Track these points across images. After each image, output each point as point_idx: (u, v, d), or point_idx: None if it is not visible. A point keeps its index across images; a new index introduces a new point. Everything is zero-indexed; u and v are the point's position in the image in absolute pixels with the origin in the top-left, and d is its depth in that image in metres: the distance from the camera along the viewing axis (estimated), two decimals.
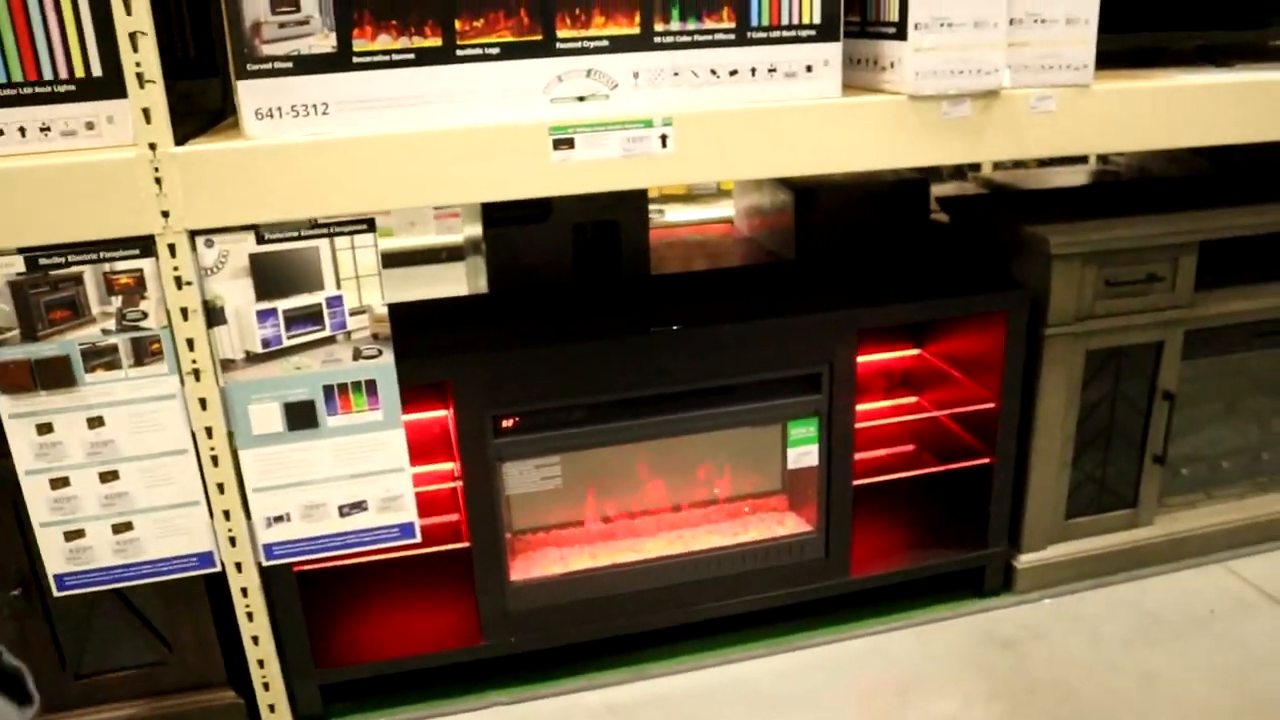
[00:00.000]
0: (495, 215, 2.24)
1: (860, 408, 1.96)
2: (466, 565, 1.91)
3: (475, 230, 2.35)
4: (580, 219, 2.28)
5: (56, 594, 1.70)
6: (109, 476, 1.66)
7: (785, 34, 1.70)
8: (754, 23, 1.68)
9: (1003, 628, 2.08)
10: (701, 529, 2.07)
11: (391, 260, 3.80)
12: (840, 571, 2.06)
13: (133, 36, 1.47)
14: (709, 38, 1.68)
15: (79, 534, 1.68)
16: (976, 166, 3.43)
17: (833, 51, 1.72)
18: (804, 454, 1.97)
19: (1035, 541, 2.14)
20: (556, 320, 1.93)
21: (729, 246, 2.68)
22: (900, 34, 1.70)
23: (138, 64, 1.48)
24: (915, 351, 2.40)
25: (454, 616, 2.00)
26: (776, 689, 1.94)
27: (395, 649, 1.94)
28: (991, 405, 2.05)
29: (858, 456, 2.00)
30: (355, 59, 1.56)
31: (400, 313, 1.72)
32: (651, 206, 3.62)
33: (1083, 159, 3.27)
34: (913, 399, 2.43)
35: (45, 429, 1.62)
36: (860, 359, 1.95)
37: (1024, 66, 1.75)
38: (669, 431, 1.93)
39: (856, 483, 2.02)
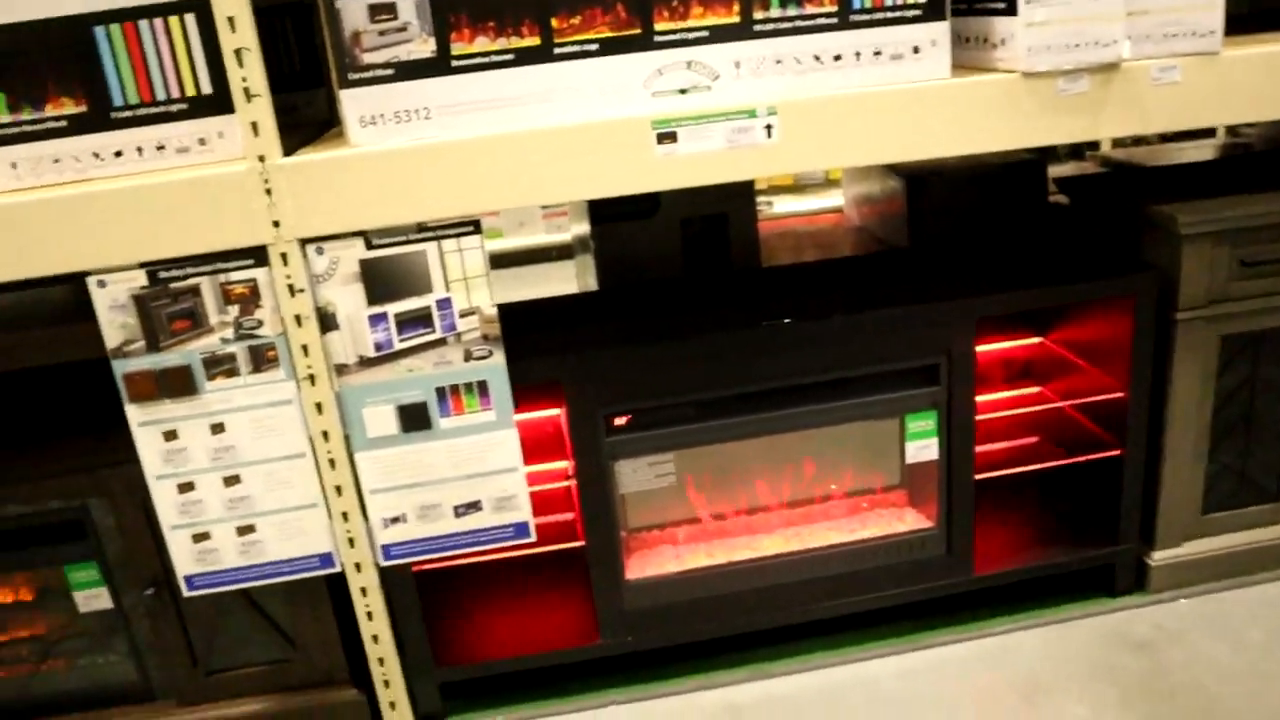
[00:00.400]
0: (603, 212, 2.24)
1: (980, 399, 1.88)
2: (581, 564, 1.91)
3: (583, 228, 2.35)
4: (688, 213, 2.26)
5: (186, 594, 1.75)
6: (232, 480, 1.71)
7: (890, 15, 1.64)
8: (856, 5, 1.63)
9: (1136, 629, 1.98)
10: (819, 525, 2.03)
11: (501, 261, 3.85)
12: (963, 569, 1.99)
13: (238, 53, 1.50)
14: (810, 23, 1.63)
15: (205, 536, 1.73)
16: (1095, 145, 3.28)
17: (940, 31, 1.65)
18: (923, 448, 1.91)
19: (1170, 538, 2.03)
20: (667, 316, 1.91)
21: (840, 236, 2.63)
22: (1010, 9, 1.62)
23: (244, 79, 1.51)
24: (1037, 340, 2.31)
25: (570, 615, 2.00)
26: (898, 689, 1.88)
27: (512, 648, 1.95)
28: (1120, 395, 1.95)
29: (979, 449, 1.93)
30: (454, 62, 1.57)
31: (510, 312, 1.73)
32: (759, 198, 3.57)
33: (1210, 132, 3.10)
34: (1035, 389, 2.33)
35: (171, 436, 1.67)
36: (979, 348, 1.88)
37: (1145, 36, 1.66)
38: (784, 427, 1.89)
39: (978, 477, 1.94)
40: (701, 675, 1.98)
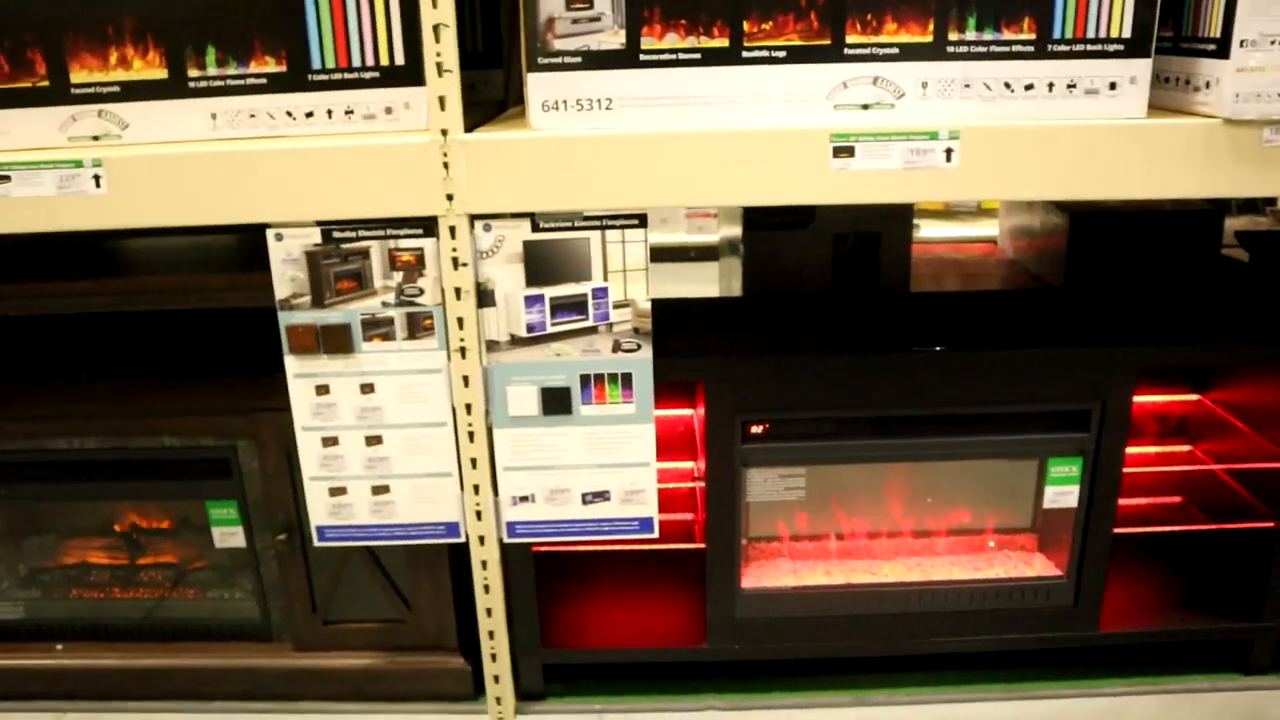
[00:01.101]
0: (756, 219, 2.22)
1: (1127, 451, 1.82)
2: (697, 566, 1.91)
3: (734, 231, 2.34)
4: (842, 229, 2.23)
5: (317, 544, 1.81)
6: (374, 440, 1.75)
7: (1090, 48, 1.59)
8: (1056, 34, 1.58)
9: (1270, 711, 1.88)
10: (943, 559, 1.99)
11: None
12: (1088, 623, 1.93)
13: (436, 29, 1.53)
14: (1006, 49, 1.59)
15: (342, 491, 1.78)
16: (1273, 200, 3.14)
17: (1141, 69, 1.59)
18: (1062, 494, 1.85)
19: None
20: (814, 329, 1.89)
21: (991, 268, 2.56)
22: (1222, 51, 1.55)
23: (438, 54, 1.54)
24: (1194, 396, 2.21)
25: (679, 616, 2.00)
26: None
27: (618, 639, 1.96)
28: (1278, 464, 1.86)
29: (1120, 503, 1.87)
30: (642, 56, 1.57)
31: (657, 309, 1.73)
32: None
33: None
34: (1187, 448, 2.24)
35: (323, 390, 1.72)
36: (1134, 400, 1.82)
37: None
38: (923, 455, 1.86)
39: (1116, 531, 1.88)
40: (803, 694, 1.96)
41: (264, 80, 1.59)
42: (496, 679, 1.91)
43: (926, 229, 3.33)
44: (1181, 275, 2.18)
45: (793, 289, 2.19)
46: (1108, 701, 1.92)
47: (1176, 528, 2.09)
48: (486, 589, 1.85)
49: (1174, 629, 1.95)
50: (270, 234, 1.64)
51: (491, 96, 2.06)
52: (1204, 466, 2.15)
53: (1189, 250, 2.20)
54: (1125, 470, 1.85)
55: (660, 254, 3.85)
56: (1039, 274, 2.40)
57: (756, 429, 1.81)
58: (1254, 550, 1.93)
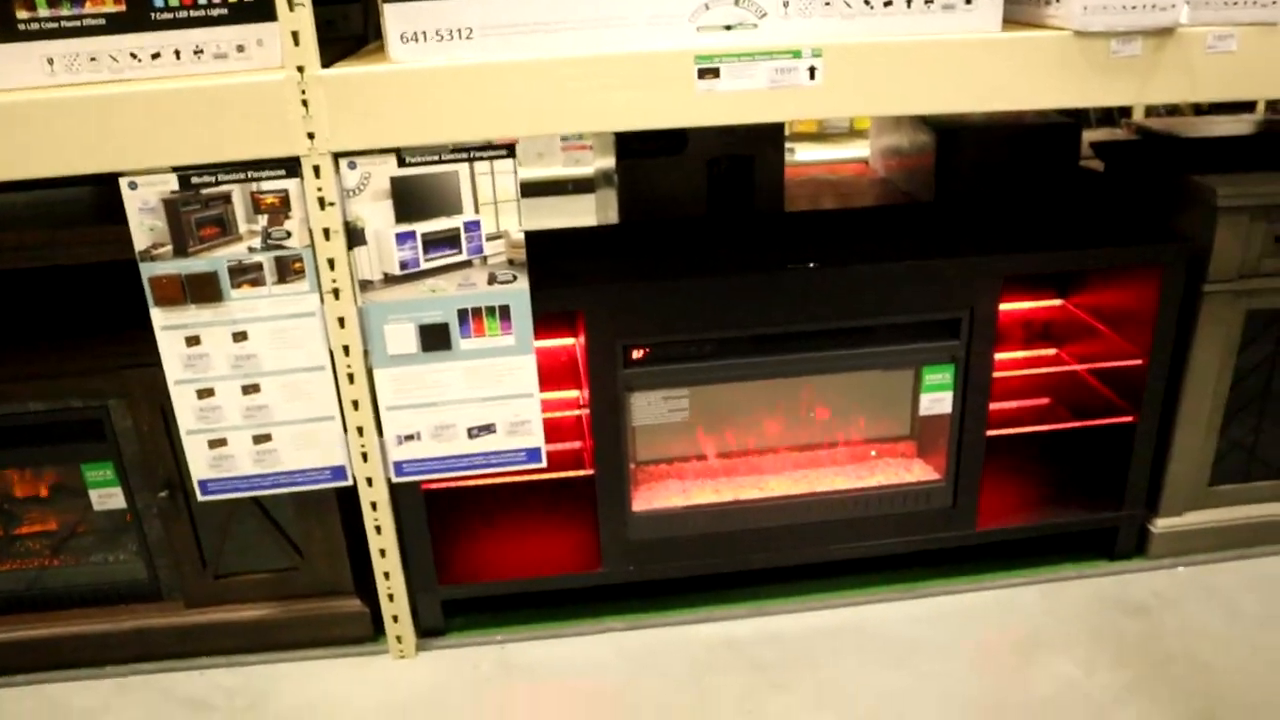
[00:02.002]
0: (630, 147, 2.22)
1: (996, 357, 1.89)
2: (589, 492, 1.93)
3: (608, 162, 2.33)
4: (715, 153, 2.24)
5: (200, 498, 1.77)
6: (251, 389, 1.72)
7: None
8: None
9: (1134, 593, 2.01)
10: (827, 470, 2.05)
11: (523, 191, 3.80)
12: (967, 522, 2.02)
13: None
14: None
15: (222, 443, 1.75)
16: (1128, 112, 3.25)
17: None
18: (937, 400, 1.92)
19: (1174, 506, 2.05)
20: (690, 253, 1.90)
21: (864, 187, 2.61)
22: None
23: None
24: (1057, 302, 2.30)
25: (574, 542, 2.02)
26: (894, 634, 1.92)
27: (515, 570, 1.98)
28: (1138, 362, 1.95)
29: (992, 407, 1.94)
30: None
31: (533, 240, 1.72)
32: None
33: (1249, 106, 3.06)
34: (1052, 351, 2.34)
35: (193, 341, 1.67)
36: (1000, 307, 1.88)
37: (1204, 2, 1.63)
38: (801, 370, 1.90)
39: (989, 433, 1.96)
40: (701, 609, 2.02)
41: (103, 20, 1.52)
42: (395, 618, 1.92)
43: (801, 152, 3.36)
44: (1043, 187, 2.25)
45: (669, 215, 2.20)
46: (992, 595, 2.02)
47: (1045, 427, 2.19)
48: (378, 530, 1.84)
49: (1046, 522, 2.05)
50: (124, 183, 1.57)
51: (351, 31, 2.00)
52: (1069, 368, 2.25)
53: (1050, 162, 2.27)
54: (995, 375, 1.92)
55: (537, 188, 3.83)
56: (910, 191, 2.46)
57: (638, 354, 1.83)
58: (1116, 444, 2.04)
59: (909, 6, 1.62)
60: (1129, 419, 2.00)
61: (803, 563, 2.03)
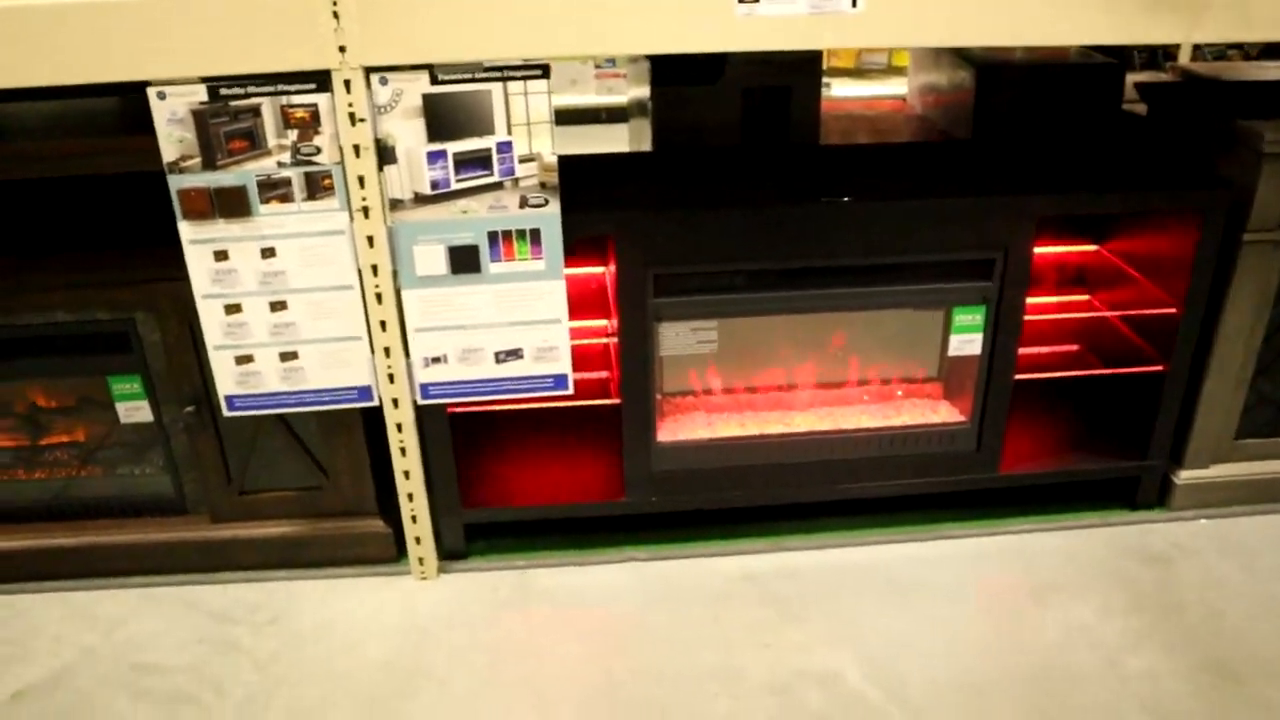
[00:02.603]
0: (665, 74, 2.18)
1: (1028, 301, 1.86)
2: (614, 422, 1.93)
3: (642, 91, 2.29)
4: (751, 83, 2.20)
5: (226, 414, 1.78)
6: (278, 306, 1.71)
7: None
8: None
9: (1153, 543, 2.00)
10: (853, 409, 2.04)
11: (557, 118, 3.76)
12: (990, 466, 2.01)
13: None
14: None
15: (249, 359, 1.75)
16: (1173, 55, 3.17)
17: None
18: (966, 342, 1.90)
19: (1199, 458, 2.03)
20: (724, 183, 1.88)
21: (900, 123, 2.56)
22: None
23: None
24: (1093, 247, 2.27)
25: (598, 471, 2.03)
26: (911, 574, 1.92)
27: (538, 496, 1.99)
28: (1171, 311, 1.93)
29: (1020, 351, 1.92)
30: None
31: (566, 165, 1.70)
32: None
33: None
34: (1084, 297, 2.31)
35: (221, 256, 1.67)
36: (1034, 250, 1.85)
37: None
38: (831, 306, 1.89)
39: (1016, 378, 1.94)
40: (721, 542, 2.02)
41: None
42: (418, 540, 1.93)
43: (838, 88, 3.30)
44: (1084, 128, 2.20)
45: (703, 145, 2.16)
46: (1011, 539, 2.02)
47: (1073, 373, 2.17)
48: (403, 451, 1.85)
49: (1070, 469, 2.04)
50: (152, 92, 1.56)
51: None
52: (1101, 314, 2.22)
53: (1091, 104, 2.22)
54: (1027, 319, 1.90)
55: (571, 116, 3.77)
56: (946, 129, 2.41)
57: (668, 283, 1.81)
58: (1144, 394, 2.02)
59: None
60: (1159, 368, 1.98)
61: (824, 500, 2.03)
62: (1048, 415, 2.19)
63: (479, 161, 1.65)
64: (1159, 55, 3.18)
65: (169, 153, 1.59)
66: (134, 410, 1.87)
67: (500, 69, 1.60)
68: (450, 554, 2.00)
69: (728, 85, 2.19)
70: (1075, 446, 2.09)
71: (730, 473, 1.97)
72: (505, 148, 1.65)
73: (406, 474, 1.87)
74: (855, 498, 2.03)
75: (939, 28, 1.61)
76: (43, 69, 1.52)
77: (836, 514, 2.07)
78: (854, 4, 1.58)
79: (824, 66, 3.63)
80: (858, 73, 3.61)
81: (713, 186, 1.86)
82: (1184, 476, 2.05)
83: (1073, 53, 2.33)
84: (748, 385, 2.04)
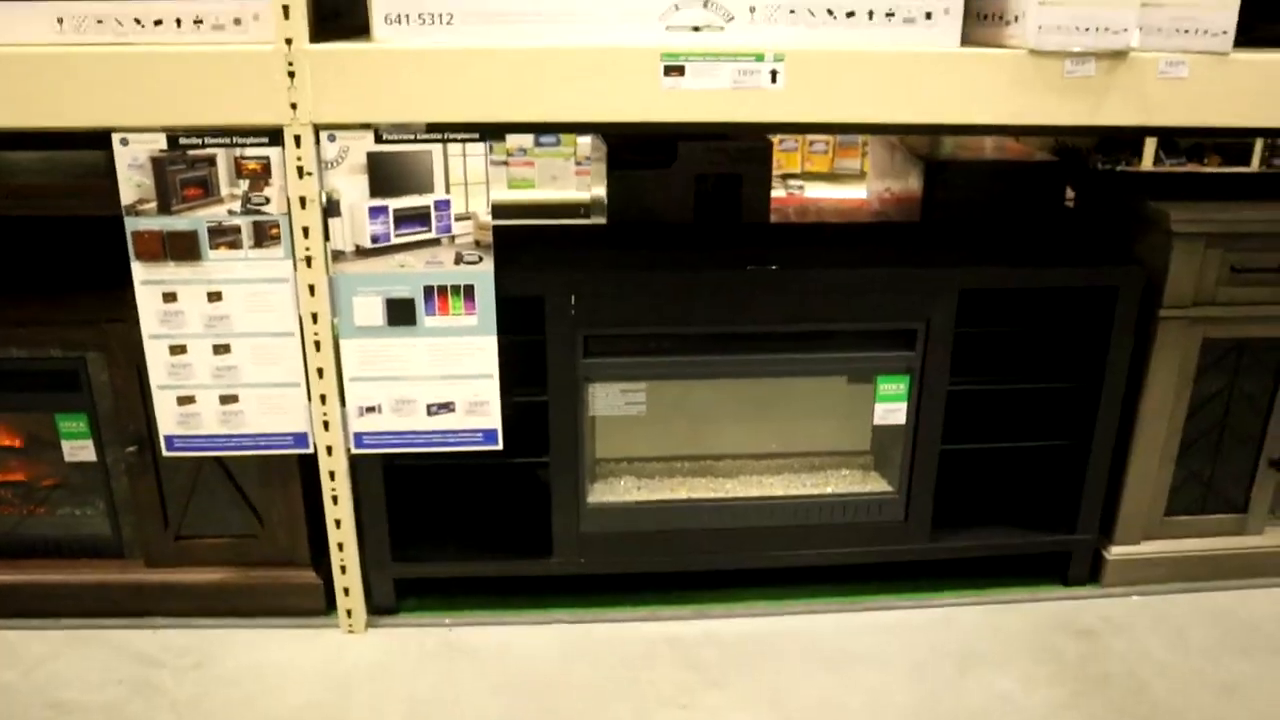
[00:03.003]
0: (620, 158, 2.29)
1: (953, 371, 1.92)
2: (544, 480, 1.96)
3: (602, 188, 2.40)
4: (704, 169, 2.30)
5: (166, 454, 1.83)
6: (222, 349, 1.78)
7: None
8: None
9: (1081, 617, 2.00)
10: (781, 476, 2.07)
11: (532, 212, 3.91)
12: (918, 537, 2.02)
13: None
14: None
15: (190, 400, 1.81)
16: (1132, 158, 3.28)
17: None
18: (891, 411, 1.95)
19: (1129, 534, 2.05)
20: (660, 252, 1.96)
21: (852, 215, 2.66)
22: None
23: None
24: (1014, 325, 2.31)
25: (526, 529, 2.05)
26: (836, 644, 1.92)
27: (467, 552, 2.01)
28: (1090, 387, 1.97)
29: (949, 421, 1.96)
30: None
31: (507, 233, 1.78)
32: (792, 182, 3.62)
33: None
34: (1008, 370, 2.34)
35: (170, 298, 1.75)
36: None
37: (1156, 29, 1.69)
38: (757, 371, 1.94)
39: (945, 448, 1.97)
40: (647, 607, 2.03)
41: None
42: (347, 591, 1.95)
43: (811, 190, 3.43)
44: (1022, 218, 2.29)
45: (653, 223, 2.26)
46: (939, 611, 2.02)
47: (1001, 445, 2.18)
48: (335, 500, 1.88)
49: (999, 542, 2.06)
50: (116, 139, 1.66)
51: (356, 24, 2.09)
52: (1024, 387, 2.25)
53: (1033, 198, 2.32)
54: (954, 388, 1.95)
55: (552, 210, 3.90)
56: (897, 221, 2.50)
57: (598, 344, 1.87)
58: (1071, 467, 2.04)
59: (870, 19, 1.69)
60: (1079, 443, 2.01)
61: (753, 567, 2.05)
62: (978, 487, 2.21)
63: (418, 218, 1.74)
64: (1124, 160, 3.30)
65: (128, 195, 1.69)
66: (79, 449, 1.92)
67: (441, 130, 1.70)
68: (379, 608, 2.01)
69: (681, 170, 2.30)
70: (1006, 519, 2.11)
71: (659, 536, 1.99)
72: (443, 205, 1.74)
73: (338, 523, 1.90)
74: (784, 566, 2.04)
75: (855, 105, 1.71)
76: (22, 111, 1.62)
77: (764, 582, 2.08)
78: (773, 80, 1.68)
79: (799, 170, 3.79)
80: (832, 177, 3.75)
81: (649, 254, 1.94)
82: (1115, 552, 2.06)
83: (1022, 150, 2.45)
84: (678, 449, 2.08)
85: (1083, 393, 2.00)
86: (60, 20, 1.63)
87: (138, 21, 1.64)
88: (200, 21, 1.65)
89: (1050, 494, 2.12)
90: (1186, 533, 2.06)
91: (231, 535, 1.97)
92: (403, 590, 2.03)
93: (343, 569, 1.93)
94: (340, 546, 1.92)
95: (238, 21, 1.65)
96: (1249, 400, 1.98)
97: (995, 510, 2.15)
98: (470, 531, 2.07)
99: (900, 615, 2.01)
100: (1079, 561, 2.07)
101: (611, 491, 2.02)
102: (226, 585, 1.98)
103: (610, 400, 1.94)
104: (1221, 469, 2.03)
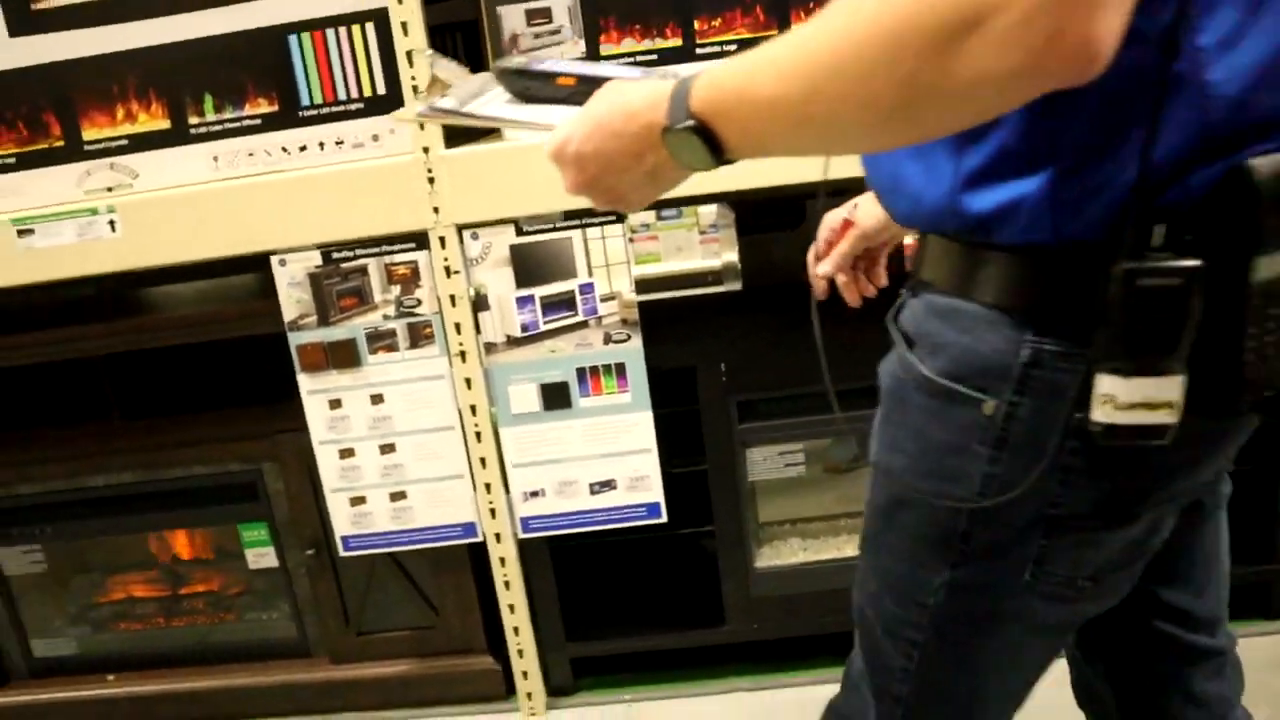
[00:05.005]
0: (747, 224, 2.31)
1: None
2: (710, 549, 1.96)
3: (732, 255, 2.41)
4: None
5: (343, 554, 1.90)
6: (387, 449, 1.84)
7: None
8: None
9: None
10: None
11: (664, 284, 3.93)
12: None
13: (409, 54, 1.65)
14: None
15: (361, 500, 1.87)
16: None
17: None
18: None
19: None
20: (801, 313, 1.94)
21: None
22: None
23: (413, 78, 1.66)
24: None
25: (697, 599, 2.04)
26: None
27: (640, 627, 2.01)
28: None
29: None
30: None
31: (652, 308, 1.80)
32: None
33: None
34: None
35: (335, 404, 1.82)
36: None
37: None
38: None
39: None
40: (827, 669, 1.99)
41: (259, 120, 1.72)
42: (525, 675, 1.97)
43: None
44: None
45: (786, 284, 2.25)
46: None
47: None
48: (507, 585, 1.92)
49: None
50: (275, 260, 1.75)
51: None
52: None
53: None
54: None
55: (678, 281, 3.93)
56: None
57: (753, 410, 1.87)
58: (1262, 493, 1.94)
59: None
60: (1269, 468, 1.91)
61: None
62: None
63: (564, 303, 1.78)
64: None
65: (289, 312, 1.77)
66: (261, 556, 2.00)
67: (578, 217, 1.74)
68: (558, 689, 2.03)
69: (808, 232, 2.29)
70: None
71: (831, 595, 1.96)
72: (588, 289, 1.78)
73: (511, 608, 1.93)
74: None
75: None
76: (188, 245, 1.74)
77: None
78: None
79: None
80: None
81: (790, 316, 1.93)
82: None
83: None
84: (841, 508, 2.05)
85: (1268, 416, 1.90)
86: (215, 158, 1.74)
87: (284, 149, 1.73)
88: (341, 142, 1.73)
89: (1243, 524, 2.00)
90: None
91: (410, 628, 2.02)
92: (579, 669, 2.05)
93: (520, 653, 1.96)
94: (516, 631, 1.94)
95: (375, 138, 1.73)
96: None
97: None
98: (641, 606, 2.08)
99: None
100: None
101: (778, 555, 2.00)
102: (409, 677, 2.02)
103: (769, 463, 1.93)
104: None
